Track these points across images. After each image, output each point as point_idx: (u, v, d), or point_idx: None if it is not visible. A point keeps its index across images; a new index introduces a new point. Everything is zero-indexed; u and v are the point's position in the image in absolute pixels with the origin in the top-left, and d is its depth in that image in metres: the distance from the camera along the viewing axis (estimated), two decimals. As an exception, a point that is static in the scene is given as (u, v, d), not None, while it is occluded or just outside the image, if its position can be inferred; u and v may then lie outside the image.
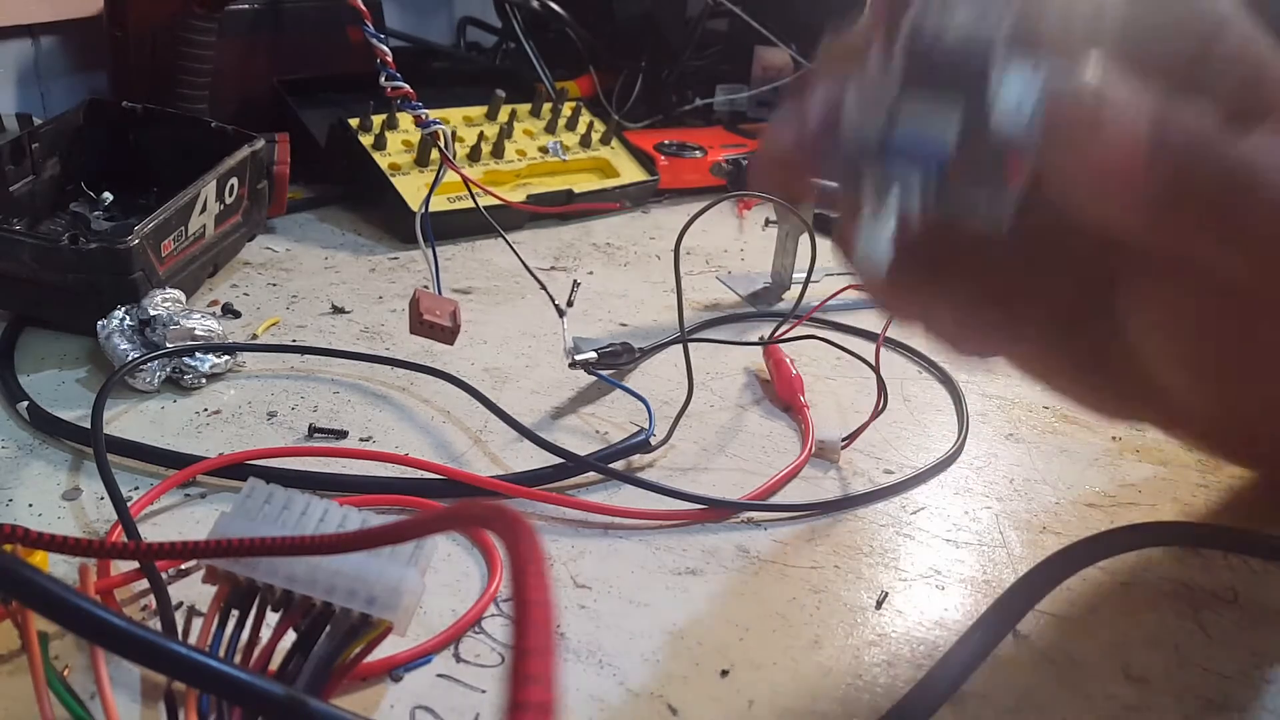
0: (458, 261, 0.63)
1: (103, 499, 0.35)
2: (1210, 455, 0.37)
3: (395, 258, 0.61)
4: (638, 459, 0.42)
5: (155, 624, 0.29)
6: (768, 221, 0.76)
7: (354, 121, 0.68)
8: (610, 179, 0.75)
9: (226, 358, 0.45)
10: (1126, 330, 0.28)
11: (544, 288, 0.39)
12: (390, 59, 0.38)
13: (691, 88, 0.97)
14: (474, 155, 0.70)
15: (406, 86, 0.36)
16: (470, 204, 0.66)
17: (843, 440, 0.43)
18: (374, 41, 0.34)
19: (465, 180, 0.41)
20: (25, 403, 0.41)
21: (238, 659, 0.25)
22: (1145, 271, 0.27)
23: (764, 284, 0.62)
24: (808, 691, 0.29)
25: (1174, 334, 0.28)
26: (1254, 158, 0.23)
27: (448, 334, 0.34)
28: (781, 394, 0.47)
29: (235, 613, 0.25)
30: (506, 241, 0.42)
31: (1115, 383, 0.31)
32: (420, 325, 0.38)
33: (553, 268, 0.63)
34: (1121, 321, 0.28)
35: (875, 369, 0.44)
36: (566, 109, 0.77)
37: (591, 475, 0.40)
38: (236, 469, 0.37)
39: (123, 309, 0.45)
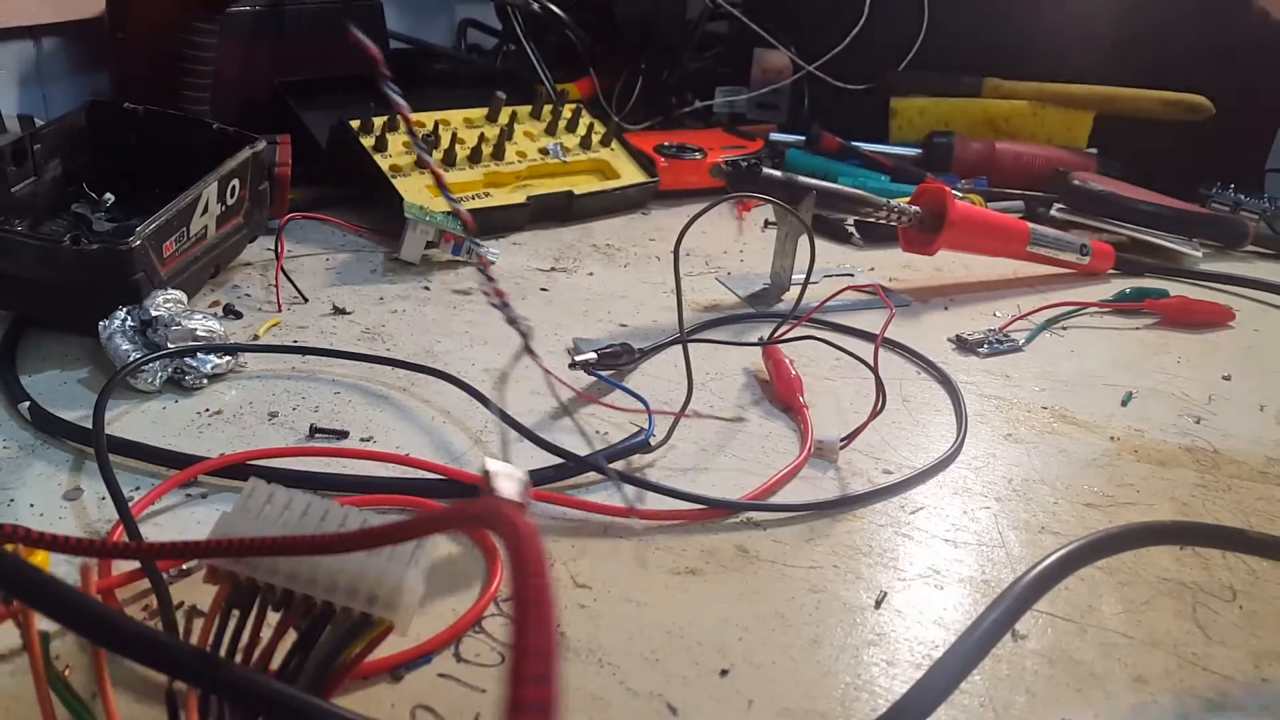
0: (458, 262, 0.63)
1: (104, 499, 0.36)
2: None
3: (396, 257, 0.61)
4: (638, 459, 0.42)
5: (156, 624, 0.29)
6: (767, 223, 0.76)
7: (355, 123, 0.68)
8: (610, 180, 0.75)
9: (228, 358, 0.46)
10: None
11: (517, 327, 0.34)
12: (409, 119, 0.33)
13: (691, 89, 0.97)
14: (474, 157, 0.70)
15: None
16: (471, 205, 0.67)
17: (842, 440, 0.43)
18: (393, 96, 0.31)
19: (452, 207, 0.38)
20: (27, 403, 0.41)
21: (238, 659, 0.25)
22: None
23: (763, 285, 0.62)
24: (807, 691, 0.29)
25: None
26: None
27: (519, 510, 0.32)
28: (781, 394, 0.48)
29: (236, 612, 0.25)
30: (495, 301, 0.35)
31: None
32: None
33: (553, 268, 0.63)
34: None
35: (874, 370, 0.45)
36: (567, 111, 0.77)
37: (591, 475, 0.40)
38: (238, 469, 0.38)
39: (124, 310, 0.45)
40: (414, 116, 0.71)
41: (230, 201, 0.54)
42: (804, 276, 0.48)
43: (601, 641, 0.31)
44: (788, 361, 0.49)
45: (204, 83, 0.66)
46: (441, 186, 0.29)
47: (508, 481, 0.30)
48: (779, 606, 0.33)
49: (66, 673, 0.27)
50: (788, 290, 0.61)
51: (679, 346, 0.46)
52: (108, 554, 0.29)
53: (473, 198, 0.68)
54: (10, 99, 0.71)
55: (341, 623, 0.25)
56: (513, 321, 0.29)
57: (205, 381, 0.45)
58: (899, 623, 0.33)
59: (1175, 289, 0.66)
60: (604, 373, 0.47)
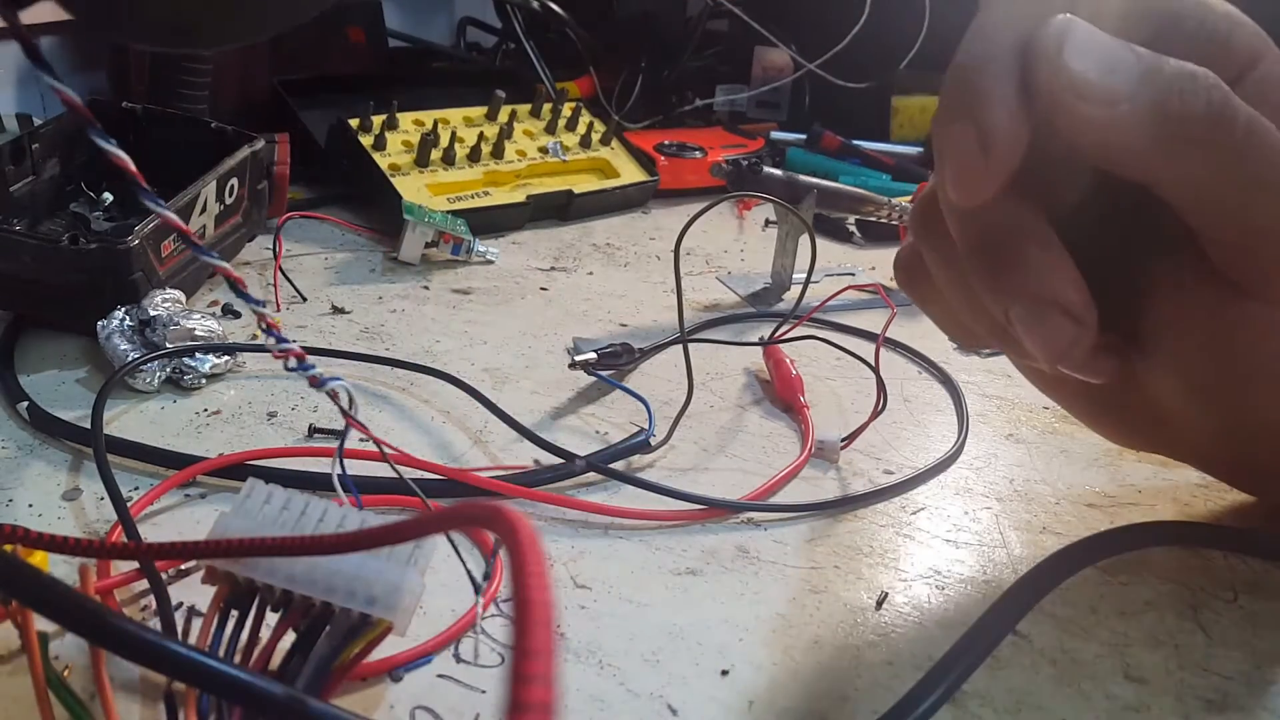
0: (458, 262, 0.63)
1: (103, 499, 0.35)
2: (1215, 477, 0.39)
3: (395, 257, 0.61)
4: (638, 459, 0.42)
5: (155, 624, 0.29)
6: (768, 222, 0.76)
7: (354, 122, 0.68)
8: (610, 179, 0.75)
9: (226, 358, 0.45)
10: (1139, 348, 0.30)
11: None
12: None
13: (691, 88, 0.97)
14: (474, 156, 0.70)
15: (295, 347, 0.26)
16: (471, 204, 0.67)
17: (842, 441, 0.43)
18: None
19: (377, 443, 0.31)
20: (25, 403, 0.41)
21: (238, 659, 0.25)
22: (1168, 275, 0.28)
23: (764, 284, 0.62)
24: (808, 691, 0.29)
25: (1184, 348, 0.29)
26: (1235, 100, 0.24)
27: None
28: (781, 394, 0.47)
29: (235, 613, 0.25)
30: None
31: (1123, 407, 0.33)
32: None
33: (553, 268, 0.63)
34: (1138, 339, 0.30)
35: (875, 369, 0.44)
36: (566, 109, 0.77)
37: (591, 475, 0.40)
38: (236, 469, 0.37)
39: (123, 309, 0.45)
40: (413, 115, 0.71)
41: (229, 200, 0.54)
42: (805, 276, 0.48)
43: (601, 642, 0.31)
44: (788, 361, 0.48)
45: (202, 81, 0.66)
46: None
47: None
48: (779, 607, 0.33)
49: (65, 673, 0.27)
50: (788, 290, 0.61)
51: (679, 346, 0.45)
52: (106, 554, 0.29)
53: (472, 196, 0.68)
54: (8, 98, 0.71)
55: (340, 623, 0.25)
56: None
57: (204, 381, 0.44)
58: (900, 623, 0.33)
59: (1176, 288, 0.66)
60: (604, 373, 0.47)
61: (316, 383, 0.26)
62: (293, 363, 0.25)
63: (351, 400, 0.27)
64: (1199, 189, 0.26)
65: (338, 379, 0.26)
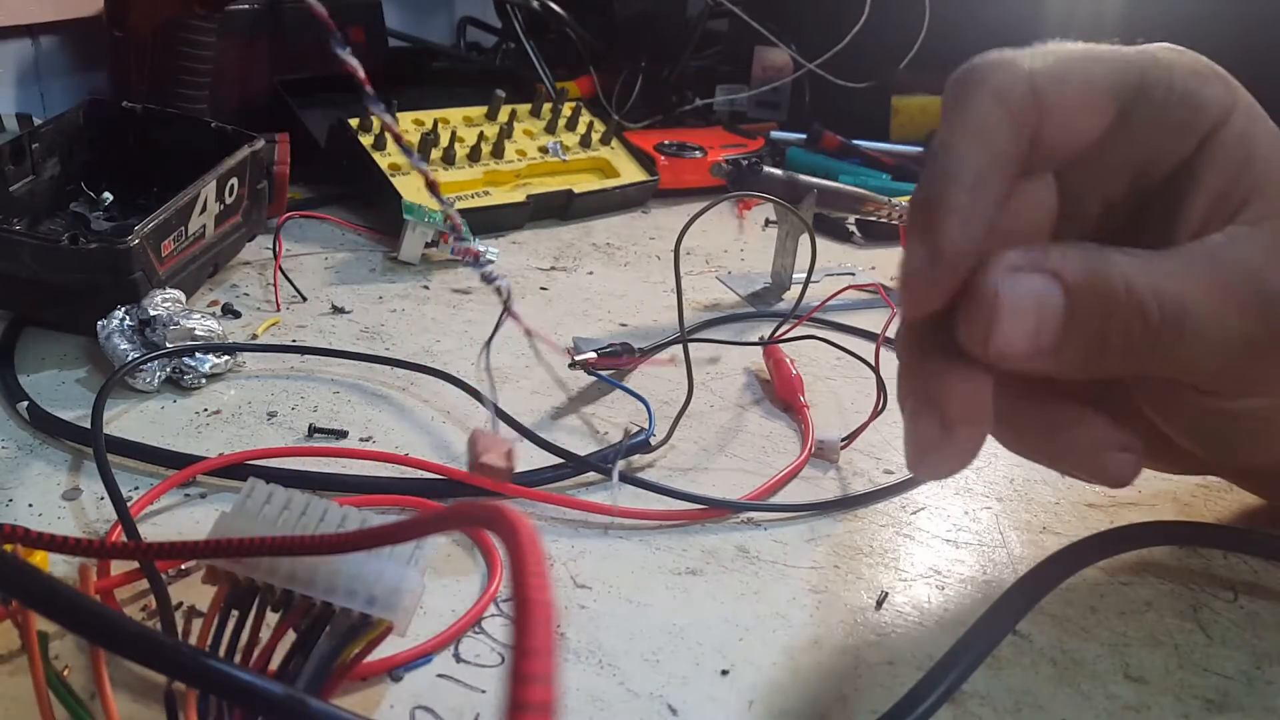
0: (458, 262, 0.63)
1: (103, 499, 0.35)
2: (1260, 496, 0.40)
3: (395, 257, 0.61)
4: (638, 459, 0.42)
5: (155, 624, 0.29)
6: (768, 222, 0.76)
7: (354, 121, 0.68)
8: (610, 179, 0.75)
9: (226, 358, 0.45)
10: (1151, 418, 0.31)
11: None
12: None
13: (691, 88, 0.97)
14: (474, 155, 0.70)
15: (474, 246, 0.34)
16: (471, 204, 0.67)
17: (842, 440, 0.43)
18: (417, 166, 0.31)
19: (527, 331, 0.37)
20: (25, 403, 0.41)
21: (238, 659, 0.25)
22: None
23: (764, 284, 0.62)
24: (808, 691, 0.29)
25: (1182, 431, 0.31)
26: (1163, 286, 0.25)
27: (503, 474, 0.32)
28: (781, 394, 0.47)
29: (235, 613, 0.25)
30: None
31: (1159, 455, 0.34)
32: (476, 466, 0.34)
33: (553, 267, 0.63)
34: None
35: (875, 369, 0.44)
36: (566, 109, 0.77)
37: (591, 475, 0.40)
38: (236, 469, 0.37)
39: (123, 309, 0.45)
40: (413, 115, 0.72)
41: (229, 200, 0.54)
42: (805, 276, 0.48)
43: (601, 642, 0.31)
44: (788, 361, 0.48)
45: (203, 81, 0.66)
46: (434, 192, 0.30)
47: (493, 454, 0.30)
48: (779, 607, 0.33)
49: (65, 673, 0.27)
50: (788, 289, 0.61)
51: (679, 346, 0.45)
52: (106, 554, 0.29)
53: (472, 196, 0.68)
54: (8, 98, 0.71)
55: (341, 623, 0.25)
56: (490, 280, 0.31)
57: (204, 381, 0.44)
58: (900, 623, 0.33)
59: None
60: (604, 372, 0.47)
61: (488, 278, 0.31)
62: (469, 259, 0.30)
63: (510, 294, 0.33)
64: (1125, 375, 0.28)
65: (504, 278, 0.32)
